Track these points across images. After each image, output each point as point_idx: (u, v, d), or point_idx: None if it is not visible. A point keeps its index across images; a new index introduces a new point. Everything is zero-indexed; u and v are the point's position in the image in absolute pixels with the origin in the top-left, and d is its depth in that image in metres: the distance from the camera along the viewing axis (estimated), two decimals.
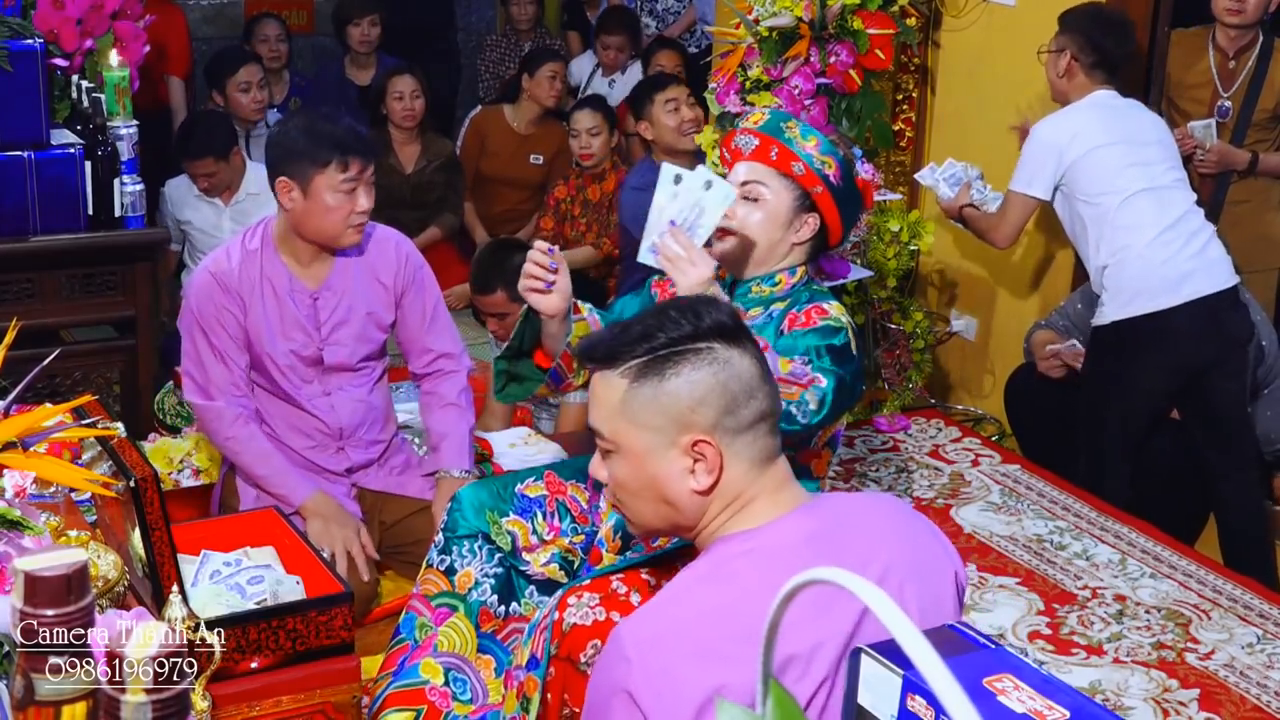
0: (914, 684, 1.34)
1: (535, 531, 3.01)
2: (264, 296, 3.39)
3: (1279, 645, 3.69)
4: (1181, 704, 3.44)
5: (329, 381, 3.47)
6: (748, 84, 4.67)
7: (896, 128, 5.23)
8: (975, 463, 4.67)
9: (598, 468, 1.97)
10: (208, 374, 3.40)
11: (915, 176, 4.90)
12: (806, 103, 4.63)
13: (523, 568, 2.99)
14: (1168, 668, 3.59)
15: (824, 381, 2.67)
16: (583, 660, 2.65)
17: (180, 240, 5.33)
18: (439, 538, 3.03)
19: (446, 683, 2.92)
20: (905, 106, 5.30)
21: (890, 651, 1.38)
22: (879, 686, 1.38)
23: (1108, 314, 4.18)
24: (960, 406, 5.27)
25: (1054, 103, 4.44)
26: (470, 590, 2.97)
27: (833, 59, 4.59)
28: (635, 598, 2.73)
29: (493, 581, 2.98)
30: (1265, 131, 4.70)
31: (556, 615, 2.67)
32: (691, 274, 2.62)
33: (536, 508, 3.03)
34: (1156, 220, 4.12)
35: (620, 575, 2.76)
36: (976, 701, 1.34)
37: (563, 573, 2.94)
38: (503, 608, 2.98)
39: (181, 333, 3.47)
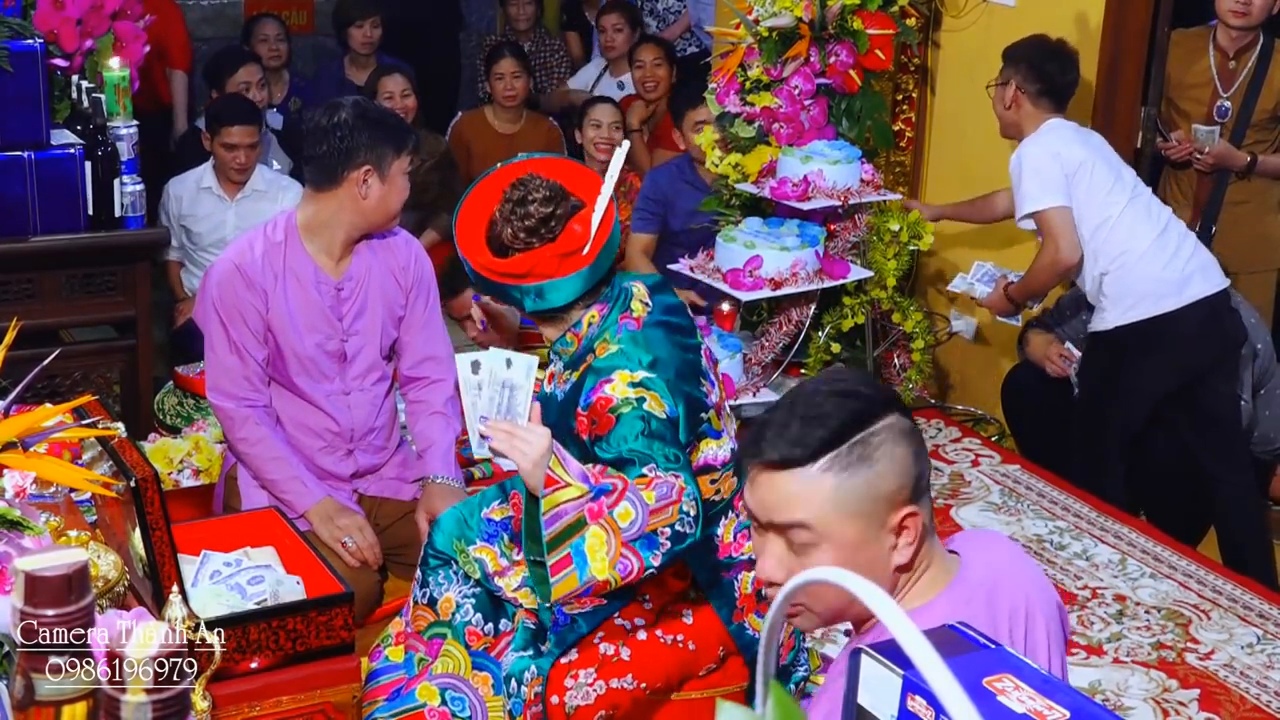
0: (914, 684, 1.34)
1: (503, 554, 3.00)
2: (288, 288, 3.37)
3: (1279, 645, 3.69)
4: (1181, 704, 3.44)
5: (349, 380, 3.47)
6: (748, 84, 4.68)
7: (896, 128, 5.23)
8: (975, 463, 4.67)
9: (776, 568, 1.81)
10: (222, 366, 3.38)
11: (949, 288, 4.85)
12: (806, 103, 4.63)
13: (496, 593, 2.99)
14: (1168, 668, 3.59)
15: (681, 479, 2.51)
16: None
17: (179, 243, 5.31)
18: (418, 574, 3.04)
19: (444, 702, 2.91)
20: (905, 106, 5.31)
21: (890, 651, 1.38)
22: (879, 687, 1.38)
23: (1109, 319, 4.18)
24: (960, 406, 5.27)
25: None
26: (454, 614, 2.97)
27: (833, 59, 4.59)
28: (625, 651, 2.74)
29: (473, 601, 2.97)
30: (1265, 132, 4.71)
31: (556, 700, 2.68)
32: (530, 453, 2.47)
33: (502, 530, 3.02)
34: (1150, 227, 4.15)
35: (601, 634, 2.76)
36: (976, 701, 1.34)
37: (535, 597, 2.93)
38: (490, 625, 2.96)
39: (199, 325, 3.46)
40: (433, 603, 2.99)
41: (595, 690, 2.69)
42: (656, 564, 2.46)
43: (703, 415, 2.72)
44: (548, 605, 2.77)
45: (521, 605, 2.95)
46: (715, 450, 2.75)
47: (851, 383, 1.83)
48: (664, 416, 2.57)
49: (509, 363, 2.62)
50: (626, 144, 2.93)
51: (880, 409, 1.79)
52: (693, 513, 2.48)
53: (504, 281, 2.72)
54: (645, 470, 2.49)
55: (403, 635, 3.05)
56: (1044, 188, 4.19)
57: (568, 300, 2.74)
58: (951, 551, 1.92)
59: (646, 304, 2.76)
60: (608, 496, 2.46)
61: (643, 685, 2.74)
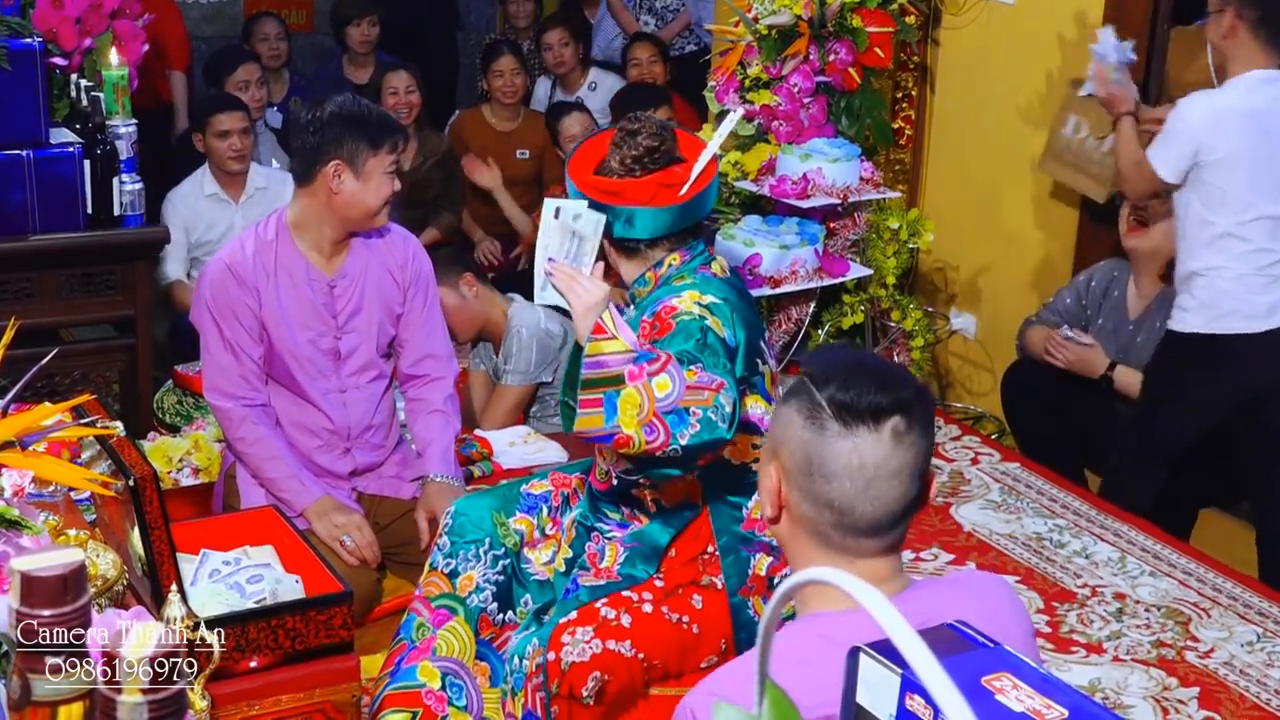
0: (912, 683, 1.34)
1: (539, 526, 3.06)
2: (280, 286, 3.37)
3: (1278, 643, 3.69)
4: (1181, 702, 3.44)
5: (345, 377, 3.47)
6: (747, 82, 4.67)
7: (896, 126, 5.23)
8: (975, 461, 4.67)
9: None
10: (218, 366, 3.39)
11: (1092, 46, 4.33)
12: (806, 100, 4.63)
13: (524, 566, 3.02)
14: (1167, 666, 3.58)
15: (725, 382, 2.59)
16: (584, 694, 2.68)
17: (189, 257, 5.17)
18: (444, 541, 3.05)
19: (443, 687, 2.93)
20: (905, 104, 5.30)
21: (889, 651, 1.37)
22: (877, 686, 1.38)
23: (1191, 323, 4.04)
24: (960, 405, 5.27)
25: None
26: (471, 594, 2.99)
27: (832, 57, 4.59)
28: (625, 619, 2.75)
29: (494, 588, 2.99)
30: None
31: (552, 656, 2.69)
32: (587, 298, 2.65)
33: (542, 503, 3.08)
34: (1265, 247, 3.96)
35: (605, 600, 2.78)
36: (975, 700, 1.34)
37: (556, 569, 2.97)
38: (500, 615, 3.00)
39: (195, 327, 3.47)
40: (453, 575, 3.01)
41: (591, 648, 2.69)
42: (683, 444, 2.52)
43: (759, 363, 2.82)
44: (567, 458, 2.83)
45: (547, 581, 2.98)
46: (763, 413, 2.83)
47: (879, 378, 1.80)
48: (722, 337, 2.68)
49: (578, 216, 2.74)
50: (742, 109, 3.04)
51: (830, 402, 1.78)
52: (728, 408, 2.56)
53: (600, 199, 2.83)
54: (692, 367, 2.58)
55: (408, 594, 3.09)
56: (1166, 154, 3.98)
57: (653, 234, 2.86)
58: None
59: (725, 270, 2.91)
60: (649, 364, 2.54)
61: (640, 655, 2.74)
